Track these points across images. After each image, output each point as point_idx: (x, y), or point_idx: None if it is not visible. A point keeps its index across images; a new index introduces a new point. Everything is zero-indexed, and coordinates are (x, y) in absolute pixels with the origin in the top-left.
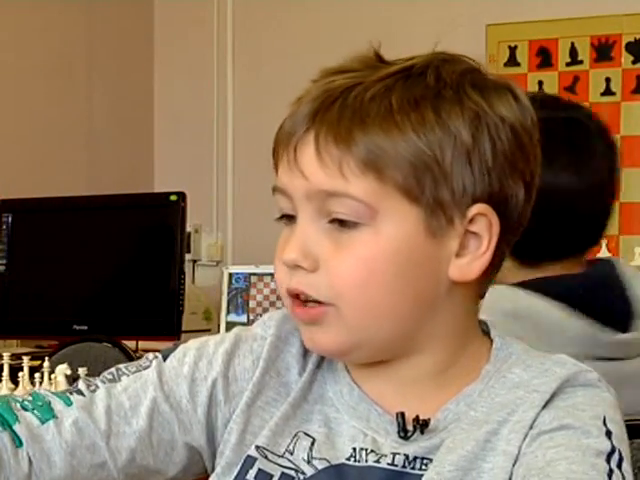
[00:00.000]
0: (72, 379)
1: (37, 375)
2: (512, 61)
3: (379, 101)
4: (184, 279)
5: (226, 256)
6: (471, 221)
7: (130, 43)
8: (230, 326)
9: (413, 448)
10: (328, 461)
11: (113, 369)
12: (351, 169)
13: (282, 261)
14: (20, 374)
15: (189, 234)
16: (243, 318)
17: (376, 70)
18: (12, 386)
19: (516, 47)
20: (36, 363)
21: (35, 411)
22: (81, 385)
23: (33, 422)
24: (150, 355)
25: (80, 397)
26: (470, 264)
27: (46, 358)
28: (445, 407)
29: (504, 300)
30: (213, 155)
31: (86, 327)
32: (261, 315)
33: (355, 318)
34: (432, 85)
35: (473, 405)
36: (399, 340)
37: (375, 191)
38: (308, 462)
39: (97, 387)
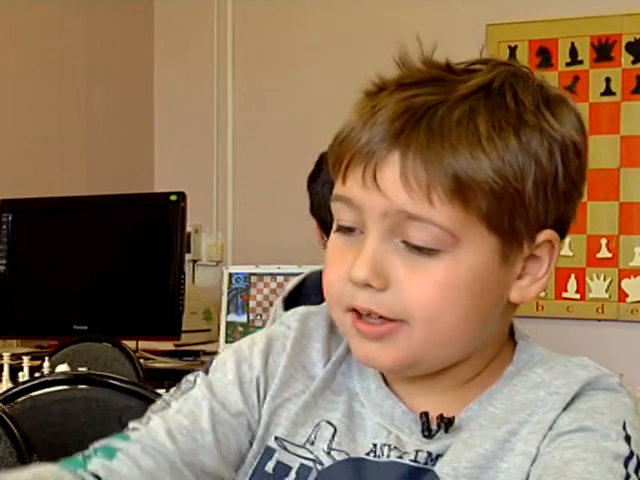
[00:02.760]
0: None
1: (37, 375)
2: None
3: (465, 124)
4: (184, 279)
5: (226, 256)
6: (537, 246)
7: (130, 43)
8: (230, 326)
9: (437, 446)
10: (347, 454)
11: (159, 401)
12: (439, 196)
13: (350, 278)
14: (20, 374)
15: (189, 234)
16: (243, 318)
17: (451, 84)
18: (12, 386)
19: (516, 47)
20: (36, 363)
21: (98, 453)
22: (131, 424)
23: (103, 462)
24: (190, 377)
25: (136, 431)
26: (529, 287)
27: (46, 358)
28: (468, 407)
29: None
30: (213, 155)
31: (86, 327)
32: (261, 315)
33: (424, 339)
34: (513, 108)
35: (493, 402)
36: (456, 359)
37: (460, 219)
38: (327, 453)
39: (149, 418)
